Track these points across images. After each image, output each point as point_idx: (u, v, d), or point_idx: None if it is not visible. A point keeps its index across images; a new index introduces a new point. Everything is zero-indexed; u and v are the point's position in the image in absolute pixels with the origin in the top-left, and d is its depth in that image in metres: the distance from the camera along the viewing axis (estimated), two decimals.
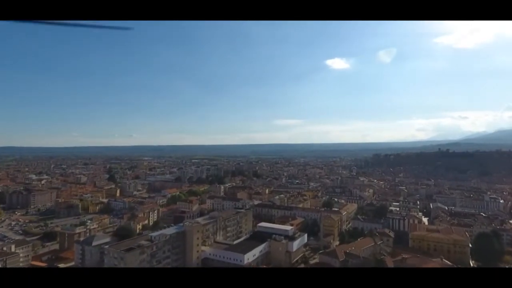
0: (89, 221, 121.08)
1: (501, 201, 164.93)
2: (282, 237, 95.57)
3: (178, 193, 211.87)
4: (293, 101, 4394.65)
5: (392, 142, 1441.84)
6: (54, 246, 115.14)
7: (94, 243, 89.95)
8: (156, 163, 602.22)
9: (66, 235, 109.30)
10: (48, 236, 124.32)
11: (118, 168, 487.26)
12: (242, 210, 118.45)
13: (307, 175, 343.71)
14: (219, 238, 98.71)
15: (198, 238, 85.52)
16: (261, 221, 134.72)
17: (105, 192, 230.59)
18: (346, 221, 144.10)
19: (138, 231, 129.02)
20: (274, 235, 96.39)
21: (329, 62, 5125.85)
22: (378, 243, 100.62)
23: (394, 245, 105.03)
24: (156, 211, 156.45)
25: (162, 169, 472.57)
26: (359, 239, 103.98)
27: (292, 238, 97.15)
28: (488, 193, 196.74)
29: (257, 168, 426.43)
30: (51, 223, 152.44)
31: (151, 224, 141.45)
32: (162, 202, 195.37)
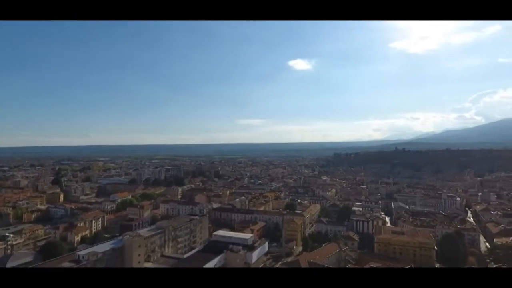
0: (11, 235, 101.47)
1: (457, 199, 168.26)
2: (240, 247, 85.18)
3: (130, 197, 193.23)
4: (257, 101, 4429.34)
5: (351, 141, 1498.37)
6: None
7: (9, 264, 73.05)
8: (113, 164, 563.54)
9: None
10: None
11: (69, 169, 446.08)
12: (196, 217, 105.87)
13: (270, 175, 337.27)
14: (168, 251, 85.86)
15: (139, 255, 72.24)
16: (220, 227, 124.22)
17: (46, 198, 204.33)
18: (310, 223, 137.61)
19: (76, 244, 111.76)
20: (231, 246, 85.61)
21: (292, 63, 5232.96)
22: (343, 248, 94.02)
23: (359, 249, 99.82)
24: (100, 219, 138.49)
25: (118, 170, 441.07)
26: (323, 245, 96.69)
27: (251, 248, 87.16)
28: (444, 190, 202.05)
29: (219, 168, 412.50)
30: None
31: (92, 235, 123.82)
32: (111, 207, 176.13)
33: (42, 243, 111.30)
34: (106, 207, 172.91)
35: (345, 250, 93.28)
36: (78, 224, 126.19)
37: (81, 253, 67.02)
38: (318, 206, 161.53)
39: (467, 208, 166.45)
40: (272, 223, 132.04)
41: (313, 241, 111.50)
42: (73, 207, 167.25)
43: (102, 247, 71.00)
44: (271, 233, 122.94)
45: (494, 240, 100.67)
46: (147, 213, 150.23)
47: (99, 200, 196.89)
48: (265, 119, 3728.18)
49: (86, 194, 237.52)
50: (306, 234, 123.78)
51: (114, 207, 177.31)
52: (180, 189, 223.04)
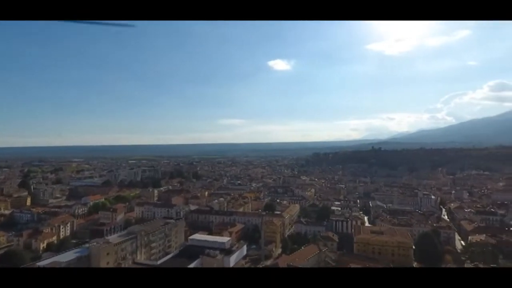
0: None
1: (432, 197, 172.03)
2: (217, 252, 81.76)
3: (102, 199, 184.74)
4: (237, 101, 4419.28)
5: (330, 141, 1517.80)
6: None
7: None
8: (87, 165, 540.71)
9: None
10: None
11: (39, 171, 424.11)
12: (171, 220, 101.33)
13: (249, 175, 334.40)
14: (141, 257, 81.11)
15: (108, 263, 67.32)
16: (197, 230, 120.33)
17: (11, 202, 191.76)
18: (289, 224, 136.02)
19: (41, 252, 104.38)
20: (207, 250, 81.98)
21: (271, 63, 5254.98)
22: (323, 250, 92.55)
23: (338, 250, 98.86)
24: (69, 224, 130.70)
25: (92, 171, 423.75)
26: (303, 247, 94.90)
27: (228, 252, 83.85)
28: (419, 188, 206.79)
29: (198, 168, 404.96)
30: None
31: (59, 241, 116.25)
32: (82, 211, 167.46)
33: (3, 251, 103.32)
34: (76, 210, 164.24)
35: (325, 252, 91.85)
36: (44, 230, 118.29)
37: (42, 263, 61.30)
38: (297, 206, 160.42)
39: (441, 206, 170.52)
40: (251, 225, 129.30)
41: (293, 242, 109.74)
42: (40, 211, 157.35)
43: (67, 256, 65.52)
44: (250, 235, 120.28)
45: (469, 237, 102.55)
46: (120, 217, 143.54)
47: (70, 203, 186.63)
48: (246, 119, 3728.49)
49: (56, 198, 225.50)
50: (286, 236, 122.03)
51: (85, 211, 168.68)
52: (156, 191, 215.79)
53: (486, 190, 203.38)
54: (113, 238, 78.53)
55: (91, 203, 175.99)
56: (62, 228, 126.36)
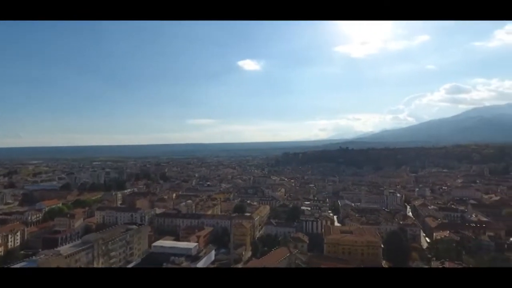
0: None
1: (397, 195, 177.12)
2: (183, 259, 77.00)
3: (60, 204, 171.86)
4: (207, 101, 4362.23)
5: (300, 141, 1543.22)
6: None
7: None
8: (46, 167, 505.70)
9: None
10: None
11: None
12: (134, 226, 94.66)
13: (219, 176, 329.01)
14: None
15: None
16: (163, 235, 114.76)
17: None
18: (259, 225, 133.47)
19: None
20: (172, 257, 76.90)
21: (241, 63, 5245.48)
22: (294, 252, 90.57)
23: (309, 251, 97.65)
24: (19, 233, 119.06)
25: (50, 174, 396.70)
26: (273, 250, 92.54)
27: (195, 258, 79.50)
28: (385, 187, 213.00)
29: (166, 170, 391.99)
30: None
31: (6, 253, 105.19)
32: (36, 218, 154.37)
33: None
34: (29, 217, 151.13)
35: (295, 254, 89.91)
36: None
37: None
38: (267, 207, 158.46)
39: (406, 204, 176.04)
40: (220, 228, 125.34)
41: (263, 245, 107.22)
42: None
43: None
44: (219, 239, 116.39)
45: (434, 234, 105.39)
46: (78, 223, 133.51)
47: (22, 209, 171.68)
48: (216, 119, 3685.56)
49: (7, 203, 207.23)
50: (256, 238, 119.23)
51: (40, 217, 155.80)
52: (120, 194, 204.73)
53: (446, 187, 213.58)
54: (66, 248, 71.14)
55: (46, 208, 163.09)
56: (11, 237, 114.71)
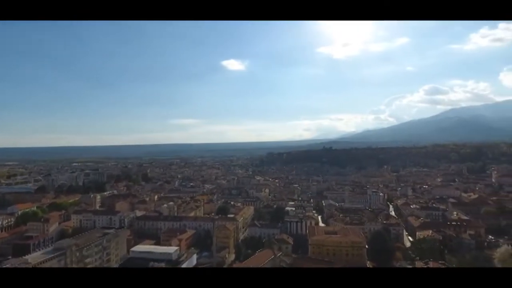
0: None
1: (380, 194, 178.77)
2: (163, 264, 73.65)
3: (34, 208, 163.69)
4: (190, 100, 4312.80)
5: (284, 141, 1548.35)
6: None
7: None
8: (21, 168, 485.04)
9: None
10: None
11: None
12: (111, 230, 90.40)
13: (203, 176, 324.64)
14: None
15: None
16: (143, 239, 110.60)
17: None
18: (243, 227, 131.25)
19: None
20: (151, 263, 73.50)
21: (225, 63, 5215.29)
22: (278, 254, 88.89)
23: (294, 253, 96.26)
24: None
25: (26, 176, 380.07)
26: (257, 252, 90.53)
27: (176, 263, 76.21)
28: (368, 186, 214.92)
29: (148, 170, 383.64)
30: None
31: None
32: (8, 222, 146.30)
33: None
34: (1, 222, 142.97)
35: (280, 256, 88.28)
36: None
37: None
38: (251, 208, 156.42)
39: (388, 203, 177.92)
40: (202, 230, 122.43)
41: (247, 247, 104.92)
42: None
43: None
44: (202, 242, 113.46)
45: (417, 233, 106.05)
46: (53, 228, 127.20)
47: None
48: (200, 119, 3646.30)
49: None
50: (239, 240, 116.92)
51: (12, 222, 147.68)
52: (99, 196, 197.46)
53: (426, 186, 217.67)
54: (36, 256, 66.50)
55: (19, 212, 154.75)
56: None
